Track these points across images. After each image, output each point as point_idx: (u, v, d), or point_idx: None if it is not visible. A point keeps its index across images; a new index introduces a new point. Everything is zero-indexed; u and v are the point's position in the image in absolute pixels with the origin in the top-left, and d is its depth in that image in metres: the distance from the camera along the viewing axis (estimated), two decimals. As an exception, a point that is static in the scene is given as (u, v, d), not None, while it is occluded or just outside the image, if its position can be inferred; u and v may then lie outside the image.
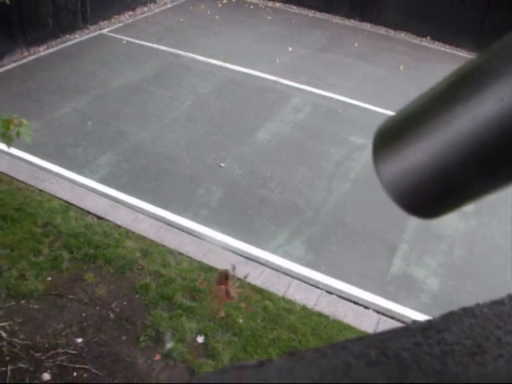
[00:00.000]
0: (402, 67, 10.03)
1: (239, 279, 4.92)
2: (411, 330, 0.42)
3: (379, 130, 0.46)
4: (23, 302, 4.56)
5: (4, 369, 3.99)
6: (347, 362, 0.37)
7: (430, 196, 0.41)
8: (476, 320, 0.43)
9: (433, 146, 0.39)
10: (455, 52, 11.40)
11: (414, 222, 6.01)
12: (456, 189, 0.40)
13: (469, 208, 6.25)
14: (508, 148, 0.36)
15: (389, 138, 0.44)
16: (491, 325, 0.43)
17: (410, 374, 0.37)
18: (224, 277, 4.57)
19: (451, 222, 6.08)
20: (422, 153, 0.40)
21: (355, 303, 5.00)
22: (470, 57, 11.18)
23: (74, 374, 4.08)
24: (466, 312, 0.44)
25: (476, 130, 0.36)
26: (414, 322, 0.43)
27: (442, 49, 11.51)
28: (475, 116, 0.36)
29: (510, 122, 0.35)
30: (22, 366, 4.05)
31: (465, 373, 0.38)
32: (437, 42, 11.72)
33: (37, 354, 4.14)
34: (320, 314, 4.82)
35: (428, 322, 0.43)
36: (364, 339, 0.40)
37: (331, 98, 8.51)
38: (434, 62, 10.42)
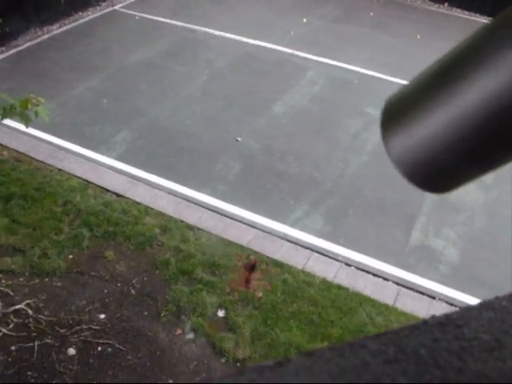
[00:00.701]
0: (418, 36, 9.88)
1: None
2: (429, 325, 0.41)
3: (387, 103, 0.45)
4: (46, 279, 4.64)
5: (31, 344, 4.09)
6: (365, 361, 0.37)
7: (442, 169, 0.41)
8: (495, 314, 0.42)
9: (444, 117, 0.39)
10: (474, 18, 11.18)
11: (433, 194, 5.97)
12: (468, 160, 0.39)
13: (488, 178, 6.19)
14: None
15: (397, 111, 0.43)
16: (511, 318, 0.42)
17: (428, 372, 0.37)
18: (251, 266, 4.63)
19: (470, 192, 6.04)
20: (432, 125, 0.39)
21: (374, 275, 5.01)
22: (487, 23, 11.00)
23: (99, 348, 4.16)
24: (485, 306, 0.43)
25: (488, 100, 0.36)
26: (433, 317, 0.42)
27: (461, 15, 11.30)
28: (486, 86, 0.36)
29: None
30: (48, 341, 4.14)
31: (483, 369, 0.37)
32: (454, 9, 11.50)
33: (62, 330, 4.22)
34: (339, 287, 4.84)
35: (446, 316, 0.42)
36: (382, 336, 0.40)
37: (347, 69, 8.43)
38: (452, 30, 10.25)
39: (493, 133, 0.37)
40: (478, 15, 11.24)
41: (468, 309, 0.43)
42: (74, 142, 6.26)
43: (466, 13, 11.33)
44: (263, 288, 4.71)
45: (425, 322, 0.42)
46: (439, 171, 0.41)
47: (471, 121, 0.37)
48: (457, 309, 0.44)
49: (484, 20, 10.98)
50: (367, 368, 0.37)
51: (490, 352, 0.39)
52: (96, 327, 4.29)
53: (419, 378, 0.36)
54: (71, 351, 4.11)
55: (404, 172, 0.42)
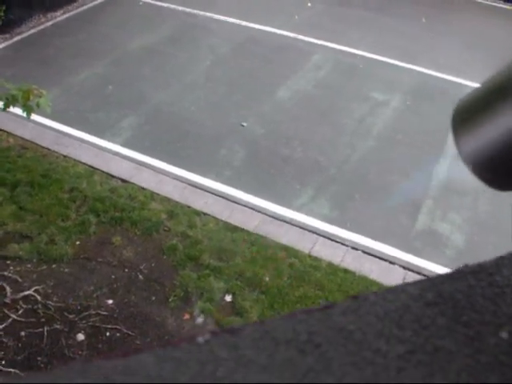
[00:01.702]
0: (424, 19, 9.80)
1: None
2: (464, 273, 0.44)
3: (458, 106, 0.48)
4: (54, 266, 4.66)
5: (41, 329, 4.12)
6: (406, 304, 0.40)
7: (508, 167, 0.43)
8: None
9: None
10: (480, 0, 11.10)
11: (438, 178, 5.97)
12: None
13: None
14: None
15: (468, 113, 0.46)
16: None
17: (465, 314, 0.40)
18: None
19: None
20: (501, 125, 0.42)
21: (381, 259, 5.02)
22: (493, 5, 10.91)
23: (107, 333, 4.19)
24: None
25: None
26: (466, 265, 0.45)
27: (466, -2, 11.21)
28: None
29: None
30: (57, 327, 4.17)
31: None
32: (459, -9, 11.40)
33: (70, 316, 4.26)
34: (346, 271, 4.85)
35: (479, 265, 0.44)
36: (420, 283, 0.43)
37: (352, 54, 8.39)
38: (457, 13, 10.18)
39: None
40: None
41: (499, 258, 0.45)
42: (79, 129, 6.26)
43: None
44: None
45: (459, 271, 0.44)
46: (506, 169, 0.44)
47: None
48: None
49: (490, 2, 10.90)
50: (409, 309, 0.40)
51: None
52: (104, 313, 4.32)
53: (457, 320, 0.39)
54: (80, 336, 4.14)
55: (474, 170, 0.45)
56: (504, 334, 0.39)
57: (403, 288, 0.42)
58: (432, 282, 0.43)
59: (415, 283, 0.43)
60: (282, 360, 0.36)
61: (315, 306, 0.40)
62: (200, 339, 0.36)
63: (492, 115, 0.43)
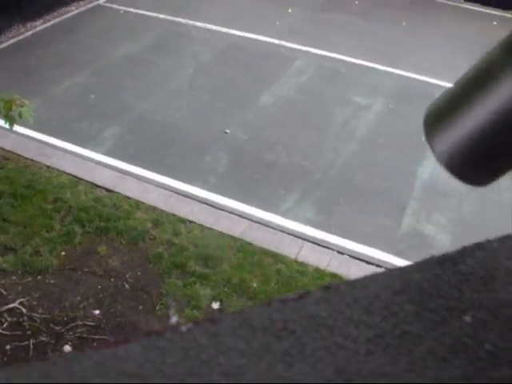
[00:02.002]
0: (404, 23, 9.88)
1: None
2: (430, 263, 0.47)
3: (429, 108, 0.51)
4: (39, 277, 4.61)
5: (26, 342, 4.07)
6: (375, 292, 0.43)
7: (482, 163, 0.46)
8: (487, 253, 0.48)
9: (482, 115, 0.43)
10: (457, 4, 11.21)
11: (422, 180, 6.00)
12: (503, 153, 0.45)
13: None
14: None
15: (439, 113, 0.49)
16: (501, 257, 0.48)
17: (432, 301, 0.43)
18: None
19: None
20: (472, 123, 0.44)
21: (367, 262, 5.02)
22: (472, 9, 11.01)
23: (95, 344, 4.14)
24: (478, 246, 0.49)
25: None
26: (432, 256, 0.47)
27: (445, 2, 11.29)
28: None
29: None
30: (43, 339, 4.12)
31: (479, 298, 0.43)
32: (439, -5, 11.50)
33: (56, 327, 4.21)
34: (333, 275, 4.85)
35: (444, 255, 0.47)
36: (389, 272, 0.45)
37: (334, 59, 8.42)
38: (437, 16, 10.27)
39: None
40: (461, 1, 11.26)
41: (463, 249, 0.48)
42: (62, 139, 6.22)
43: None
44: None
45: (426, 261, 0.47)
46: (479, 164, 0.46)
47: (508, 115, 0.42)
48: None
49: (468, 6, 11.01)
50: (378, 297, 0.43)
51: (484, 284, 0.45)
52: (91, 323, 4.28)
53: (424, 306, 0.42)
54: (67, 348, 4.10)
55: (448, 167, 0.47)
56: (467, 318, 0.41)
57: (373, 277, 0.44)
58: (400, 272, 0.45)
59: (384, 273, 0.45)
60: (259, 346, 0.38)
61: (290, 295, 0.42)
62: (183, 328, 0.39)
63: (462, 112, 0.45)
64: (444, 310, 0.42)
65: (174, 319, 4.38)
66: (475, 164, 0.47)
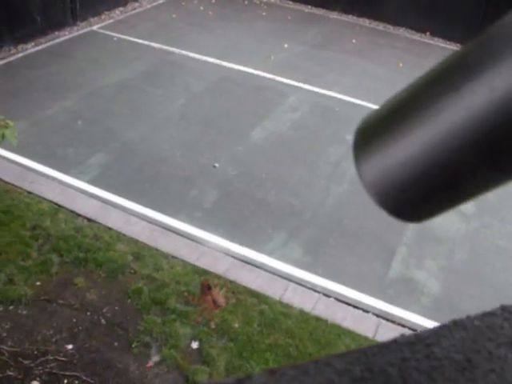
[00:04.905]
0: (401, 64, 9.89)
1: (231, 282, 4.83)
2: (398, 344, 0.41)
3: (360, 126, 0.42)
4: (11, 307, 4.44)
5: (-8, 378, 3.86)
6: (330, 379, 0.37)
7: (419, 195, 0.37)
8: (467, 333, 0.42)
9: (422, 139, 0.35)
10: (455, 48, 11.28)
11: (413, 224, 5.89)
12: (447, 185, 0.36)
13: (470, 209, 6.13)
14: (504, 139, 0.31)
15: (371, 134, 0.40)
16: (483, 338, 0.42)
17: None
18: (206, 287, 4.43)
19: (451, 224, 5.96)
20: (408, 148, 0.36)
21: (354, 307, 4.88)
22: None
23: (65, 381, 3.98)
24: (457, 325, 0.43)
25: (469, 121, 0.32)
26: (402, 335, 0.42)
27: (442, 44, 11.37)
28: (467, 107, 0.32)
29: (504, 112, 0.30)
30: (10, 373, 3.94)
31: None
32: (436, 38, 11.55)
33: (25, 362, 4.03)
34: (318, 318, 4.70)
35: (416, 335, 0.41)
36: (348, 354, 0.39)
37: (328, 96, 8.39)
38: (434, 59, 10.20)
39: (477, 154, 0.33)
40: (458, 45, 11.33)
41: (439, 328, 0.42)
42: (45, 164, 6.06)
43: (448, 42, 11.41)
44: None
45: (394, 341, 0.41)
46: (413, 198, 0.37)
47: (453, 141, 0.33)
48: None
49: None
50: None
51: (461, 372, 0.39)
52: (63, 358, 4.10)
53: None
54: (35, 384, 3.89)
55: (376, 198, 0.38)
56: None
57: (328, 361, 0.38)
58: (362, 354, 0.39)
59: (343, 355, 0.39)
60: None
61: (228, 380, 0.36)
62: None
63: (396, 136, 0.37)
64: None
65: (154, 359, 4.20)
66: (415, 198, 0.37)
